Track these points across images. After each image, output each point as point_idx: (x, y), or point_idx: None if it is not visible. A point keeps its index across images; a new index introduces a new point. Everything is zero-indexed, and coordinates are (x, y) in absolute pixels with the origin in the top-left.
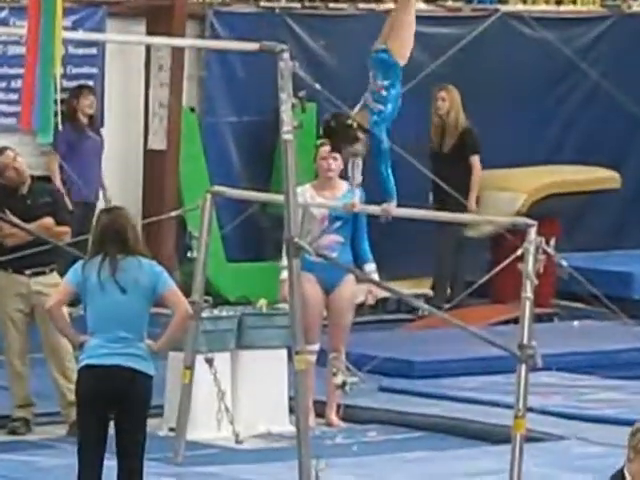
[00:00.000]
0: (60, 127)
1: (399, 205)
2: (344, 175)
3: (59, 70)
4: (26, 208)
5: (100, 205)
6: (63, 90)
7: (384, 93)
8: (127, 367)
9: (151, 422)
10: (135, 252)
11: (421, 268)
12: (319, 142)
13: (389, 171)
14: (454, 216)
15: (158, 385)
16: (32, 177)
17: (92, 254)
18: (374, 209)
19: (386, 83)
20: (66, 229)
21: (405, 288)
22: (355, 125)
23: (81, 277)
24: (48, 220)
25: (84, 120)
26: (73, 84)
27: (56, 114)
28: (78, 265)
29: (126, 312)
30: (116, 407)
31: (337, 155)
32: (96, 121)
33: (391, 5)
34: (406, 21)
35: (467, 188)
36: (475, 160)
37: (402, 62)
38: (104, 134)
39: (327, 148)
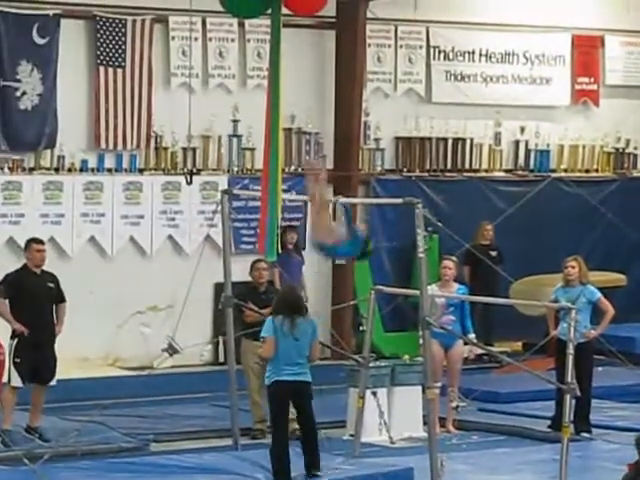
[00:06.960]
0: (280, 251)
1: None
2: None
3: (279, 215)
4: (261, 300)
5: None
6: (281, 227)
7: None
8: (301, 380)
9: (338, 431)
10: (303, 314)
11: (504, 335)
12: (443, 260)
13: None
14: None
15: (342, 408)
16: (268, 282)
17: (276, 313)
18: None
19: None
20: None
21: (495, 347)
22: None
23: (273, 328)
24: None
25: (290, 247)
26: (286, 223)
27: (277, 243)
28: (269, 321)
29: (299, 350)
30: (296, 400)
31: (452, 265)
32: (299, 247)
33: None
34: (322, 224)
35: None
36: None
37: (332, 241)
38: (305, 255)
39: (447, 263)
